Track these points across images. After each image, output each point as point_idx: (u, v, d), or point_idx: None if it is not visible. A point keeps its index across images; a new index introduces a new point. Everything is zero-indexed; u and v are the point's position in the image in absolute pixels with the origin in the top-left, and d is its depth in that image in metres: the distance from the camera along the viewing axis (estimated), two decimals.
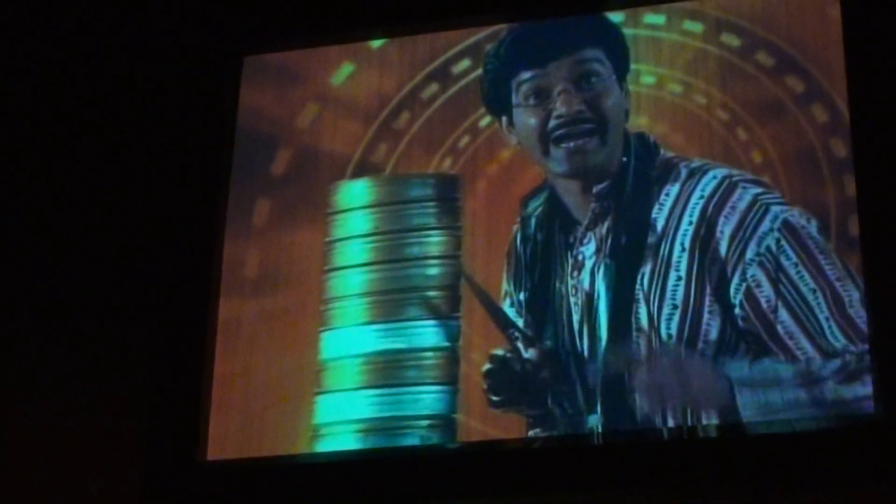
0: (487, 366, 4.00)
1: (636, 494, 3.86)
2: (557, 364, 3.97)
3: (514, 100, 4.15)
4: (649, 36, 4.23)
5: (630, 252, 3.98)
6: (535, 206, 4.11)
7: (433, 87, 4.35)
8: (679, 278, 3.91)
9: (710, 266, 3.91)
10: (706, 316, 3.87)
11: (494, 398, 3.98)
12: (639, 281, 3.94)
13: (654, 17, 4.25)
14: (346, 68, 4.44)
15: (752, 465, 3.78)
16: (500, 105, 4.18)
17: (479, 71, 4.27)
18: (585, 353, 3.95)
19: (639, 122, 4.12)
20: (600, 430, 3.90)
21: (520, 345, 4.00)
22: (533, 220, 4.10)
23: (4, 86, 4.69)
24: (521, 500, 3.92)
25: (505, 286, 4.07)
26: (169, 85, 4.56)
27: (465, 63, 4.34)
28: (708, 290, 3.88)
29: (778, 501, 3.82)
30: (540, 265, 4.06)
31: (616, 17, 4.24)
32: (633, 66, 4.18)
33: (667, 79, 4.18)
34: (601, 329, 3.95)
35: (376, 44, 4.45)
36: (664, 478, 3.83)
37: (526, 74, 4.14)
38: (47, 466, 4.27)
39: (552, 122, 4.07)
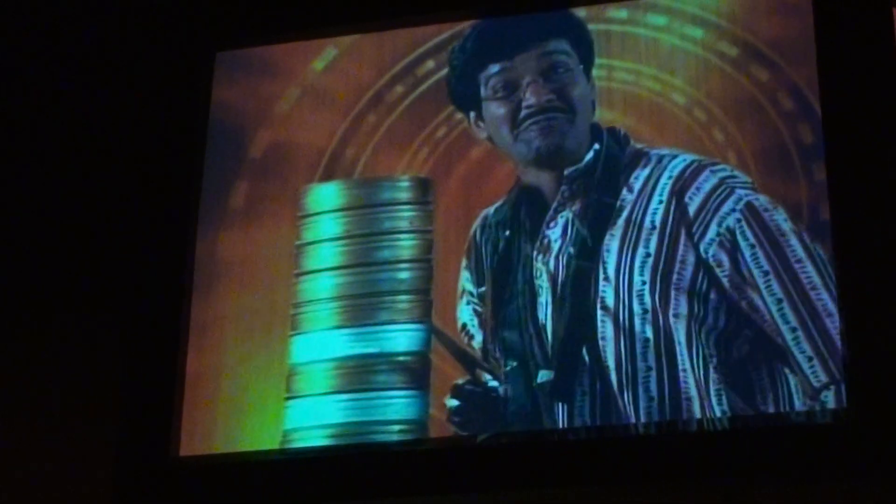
0: (453, 402, 4.00)
1: (606, 490, 3.87)
2: (521, 375, 3.98)
3: (483, 93, 4.17)
4: (622, 31, 4.24)
5: (596, 234, 4.00)
6: (496, 208, 4.14)
7: (409, 80, 4.35)
8: (647, 255, 3.94)
9: (679, 243, 3.94)
10: (673, 293, 3.90)
11: (463, 433, 3.99)
12: (603, 261, 3.97)
13: (621, 13, 4.26)
14: (319, 62, 4.43)
15: (722, 461, 3.80)
16: (467, 100, 4.20)
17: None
18: (549, 336, 3.97)
19: (611, 118, 4.14)
20: (566, 426, 3.92)
21: (486, 376, 4.01)
22: (495, 216, 4.13)
23: None
24: (495, 495, 3.93)
25: (463, 283, 4.08)
26: (141, 81, 4.55)
27: (444, 55, 4.33)
28: (677, 267, 3.91)
29: (747, 498, 3.84)
30: (502, 251, 4.08)
31: (582, 12, 4.27)
32: (606, 62, 4.19)
33: (640, 74, 4.19)
34: (566, 311, 3.97)
35: (349, 38, 4.44)
36: (634, 474, 3.85)
37: (494, 68, 4.18)
38: (19, 462, 4.29)
39: (522, 112, 4.11)
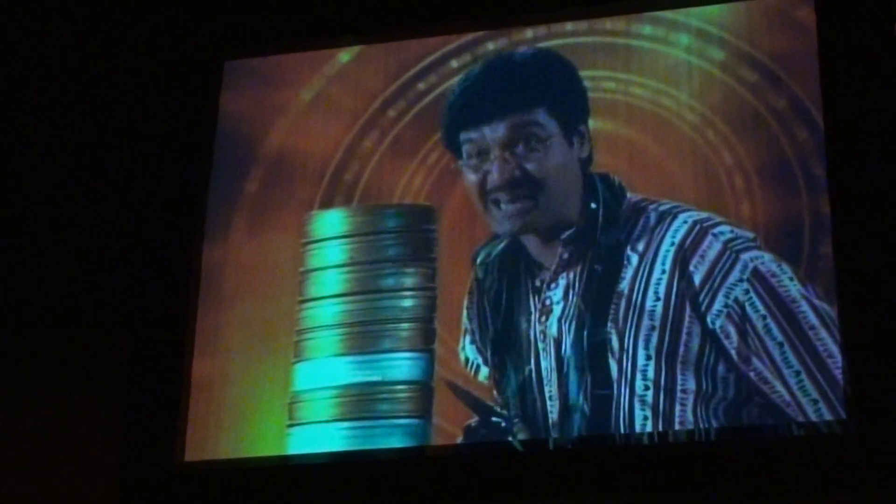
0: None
1: (602, 500, 3.90)
2: (528, 421, 3.97)
3: (462, 155, 4.13)
4: (627, 44, 4.23)
5: (601, 299, 3.95)
6: (493, 250, 4.10)
7: (414, 92, 4.36)
8: (653, 327, 3.89)
9: (683, 316, 3.88)
10: (679, 366, 3.85)
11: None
12: (610, 328, 3.92)
13: (637, 27, 4.25)
14: (325, 74, 4.45)
15: (718, 472, 3.83)
16: (456, 149, 4.18)
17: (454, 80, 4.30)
18: (554, 400, 3.95)
19: (611, 129, 4.13)
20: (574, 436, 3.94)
21: (497, 420, 4.00)
22: (492, 265, 4.09)
23: None
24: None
25: (465, 323, 4.07)
26: (150, 89, 4.57)
27: (453, 64, 4.35)
28: (683, 339, 3.86)
29: None
30: (504, 308, 4.05)
31: (609, 25, 4.27)
32: (607, 73, 4.19)
33: (642, 86, 4.17)
34: (570, 378, 3.94)
35: (354, 49, 4.46)
36: (630, 484, 3.88)
37: (470, 134, 4.13)
38: (26, 467, 4.32)
39: (489, 186, 4.06)
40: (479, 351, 4.05)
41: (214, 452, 4.15)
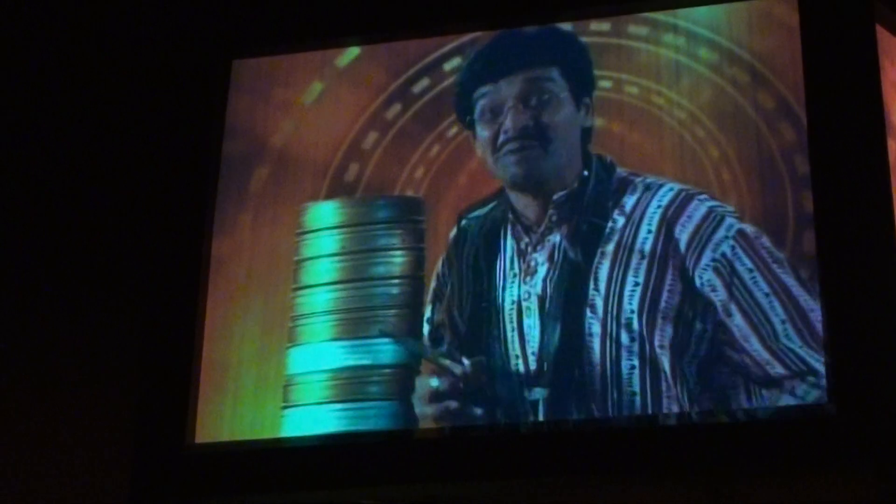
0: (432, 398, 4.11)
1: (590, 481, 4.02)
2: (500, 369, 4.08)
3: (476, 113, 4.26)
4: (618, 44, 4.32)
5: (586, 259, 4.07)
6: (478, 214, 4.22)
7: (418, 87, 4.45)
8: (636, 284, 4.01)
9: (668, 272, 4.01)
10: (660, 321, 3.97)
11: (446, 425, 4.12)
12: (593, 287, 4.04)
13: (635, 28, 4.34)
14: (330, 71, 4.54)
15: (705, 454, 3.93)
16: (468, 118, 4.30)
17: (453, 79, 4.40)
18: (535, 357, 4.06)
19: (600, 124, 4.23)
20: (552, 419, 4.04)
21: (447, 362, 4.11)
22: (474, 229, 4.21)
23: None
24: (483, 484, 4.10)
25: (440, 287, 4.18)
26: (161, 89, 4.67)
27: (455, 61, 4.45)
28: (664, 296, 3.98)
29: (729, 490, 4.00)
30: (485, 271, 4.17)
31: (601, 26, 4.35)
32: (598, 73, 4.28)
33: (630, 85, 4.27)
34: (554, 333, 4.05)
35: (359, 48, 4.54)
36: (620, 465, 3.97)
37: (483, 90, 4.27)
38: (45, 449, 4.48)
39: (500, 137, 4.19)
40: (450, 319, 4.16)
41: (223, 435, 4.25)
